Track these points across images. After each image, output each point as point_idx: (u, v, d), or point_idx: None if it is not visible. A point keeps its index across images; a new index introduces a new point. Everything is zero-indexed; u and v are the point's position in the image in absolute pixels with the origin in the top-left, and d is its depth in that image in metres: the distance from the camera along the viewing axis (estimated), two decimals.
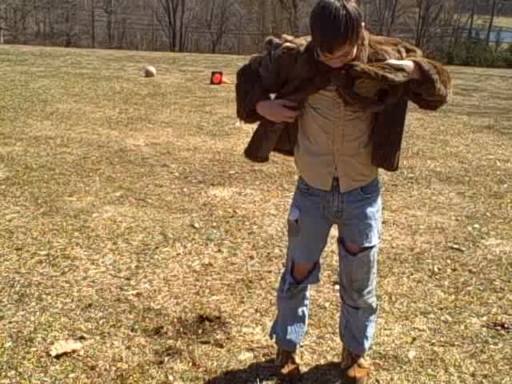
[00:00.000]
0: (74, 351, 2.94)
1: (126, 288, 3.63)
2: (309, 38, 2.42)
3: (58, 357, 2.89)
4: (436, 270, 4.10)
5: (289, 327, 2.81)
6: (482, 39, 40.39)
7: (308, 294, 2.85)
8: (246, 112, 2.56)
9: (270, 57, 2.48)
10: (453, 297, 3.70)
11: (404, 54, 2.40)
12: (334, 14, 2.13)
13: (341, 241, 2.68)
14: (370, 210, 2.60)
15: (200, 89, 12.87)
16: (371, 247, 2.61)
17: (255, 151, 2.68)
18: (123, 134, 8.00)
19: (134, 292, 3.58)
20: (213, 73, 13.98)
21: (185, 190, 5.70)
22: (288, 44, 2.44)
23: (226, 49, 42.74)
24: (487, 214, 5.31)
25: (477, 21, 43.82)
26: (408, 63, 2.33)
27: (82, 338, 3.06)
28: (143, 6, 46.27)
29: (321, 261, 2.81)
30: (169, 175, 6.18)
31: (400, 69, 2.28)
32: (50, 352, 2.91)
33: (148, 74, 14.68)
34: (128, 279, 3.76)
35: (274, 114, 2.50)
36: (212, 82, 13.63)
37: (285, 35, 2.53)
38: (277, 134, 2.60)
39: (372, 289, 2.72)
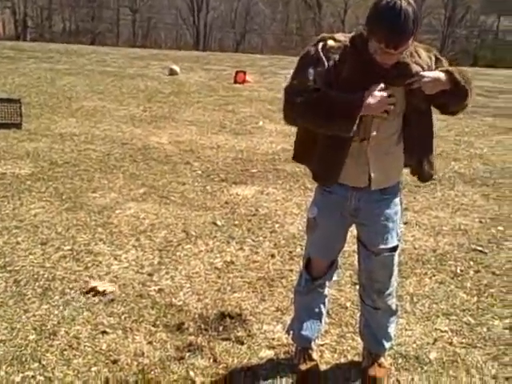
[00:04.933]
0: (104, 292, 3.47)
1: (148, 284, 3.66)
2: (347, 36, 2.43)
3: (89, 291, 3.44)
4: (458, 271, 4.07)
5: (304, 323, 2.80)
6: (508, 41, 39.92)
7: (326, 291, 2.84)
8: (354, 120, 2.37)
9: (323, 61, 2.38)
10: (475, 299, 3.67)
11: (433, 62, 2.46)
12: (404, 12, 2.16)
13: (360, 240, 2.68)
14: (387, 212, 2.59)
15: (223, 88, 12.91)
16: (390, 249, 2.60)
17: (335, 176, 2.54)
18: (147, 132, 8.06)
19: (156, 288, 3.61)
20: (236, 72, 14.01)
21: (207, 187, 5.72)
22: (332, 43, 2.41)
23: (250, 48, 42.73)
24: (511, 216, 5.26)
25: (503, 22, 43.29)
26: (441, 75, 2.37)
27: (104, 332, 3.09)
28: (168, 6, 46.47)
29: (343, 260, 2.82)
30: (191, 173, 6.21)
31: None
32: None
33: (172, 72, 14.77)
34: (150, 275, 3.79)
35: (379, 106, 2.36)
36: (235, 81, 13.66)
37: (324, 34, 2.49)
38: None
39: (392, 290, 2.71)
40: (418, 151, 2.54)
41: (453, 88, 2.39)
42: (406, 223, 4.90)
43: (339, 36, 2.45)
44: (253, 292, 3.62)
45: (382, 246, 2.58)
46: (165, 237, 4.44)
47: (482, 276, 4.00)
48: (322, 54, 2.38)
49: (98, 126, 8.32)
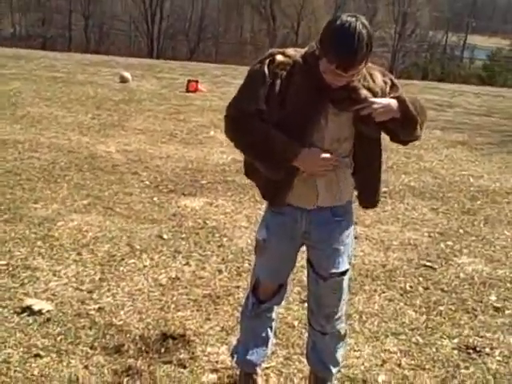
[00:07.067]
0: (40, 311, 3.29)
1: (87, 302, 3.48)
2: (298, 51, 2.34)
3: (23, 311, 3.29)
4: (408, 288, 4.02)
5: (249, 348, 2.69)
6: (456, 56, 40.99)
7: (274, 315, 2.72)
8: (283, 169, 2.35)
9: (268, 79, 2.29)
10: (424, 317, 3.61)
11: (388, 87, 2.39)
12: (358, 34, 2.07)
13: (309, 263, 2.58)
14: (339, 235, 2.50)
15: (175, 96, 12.72)
16: (341, 273, 2.50)
17: (283, 198, 2.45)
18: (94, 140, 7.83)
19: (96, 306, 3.43)
20: (188, 81, 13.84)
21: (155, 199, 5.56)
22: (281, 58, 2.33)
23: (204, 57, 42.58)
24: (460, 230, 5.27)
25: (451, 38, 44.39)
26: (392, 102, 2.30)
27: (37, 355, 2.90)
28: (122, 12, 45.95)
29: (291, 276, 2.70)
30: (139, 183, 6.03)
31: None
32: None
33: (123, 79, 14.48)
34: (90, 292, 3.61)
35: (316, 166, 2.34)
36: (187, 90, 13.49)
37: (273, 49, 2.40)
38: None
39: (341, 315, 2.61)
40: (362, 178, 2.48)
41: (403, 116, 2.32)
42: (355, 237, 4.84)
43: (289, 51, 2.36)
44: (197, 311, 3.48)
45: (333, 271, 2.48)
46: (108, 251, 4.26)
47: (431, 293, 3.96)
48: (267, 71, 2.30)
49: (44, 133, 8.04)
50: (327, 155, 2.33)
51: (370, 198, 2.57)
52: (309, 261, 2.58)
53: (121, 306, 3.47)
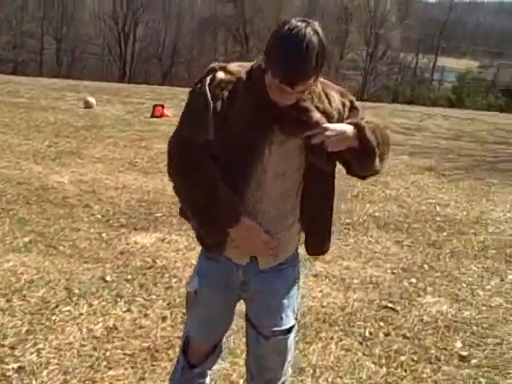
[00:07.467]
0: None
1: (7, 360, 3.11)
2: (244, 66, 2.02)
3: None
4: (367, 334, 3.72)
5: None
6: (426, 78, 41.38)
7: (208, 380, 2.39)
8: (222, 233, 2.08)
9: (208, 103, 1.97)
10: (384, 370, 3.30)
11: (347, 110, 2.06)
12: (308, 42, 1.75)
13: (248, 319, 2.27)
14: (282, 285, 2.18)
15: (139, 122, 12.39)
16: (286, 331, 2.19)
17: (220, 249, 2.16)
18: (48, 170, 7.45)
19: (16, 365, 3.06)
20: (154, 105, 13.52)
21: (103, 235, 5.20)
22: (222, 75, 2.00)
23: (177, 81, 42.36)
24: (425, 266, 4.99)
25: (422, 60, 44.83)
26: (349, 129, 1.97)
27: None
28: (95, 35, 45.63)
29: (240, 323, 2.38)
30: (89, 217, 5.67)
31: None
32: None
33: (87, 104, 14.11)
34: (13, 348, 3.23)
35: (252, 246, 2.08)
36: (153, 115, 13.17)
37: (214, 64, 2.06)
38: None
39: (286, 380, 2.29)
40: (311, 219, 2.16)
41: (360, 147, 1.99)
42: (315, 276, 4.56)
43: (232, 67, 2.03)
44: (132, 368, 3.13)
45: (276, 329, 2.16)
46: (42, 297, 3.90)
47: (392, 340, 3.66)
48: (208, 92, 1.97)
49: None
50: (267, 239, 2.04)
51: (318, 244, 2.27)
52: (247, 317, 2.27)
53: (45, 364, 3.10)
